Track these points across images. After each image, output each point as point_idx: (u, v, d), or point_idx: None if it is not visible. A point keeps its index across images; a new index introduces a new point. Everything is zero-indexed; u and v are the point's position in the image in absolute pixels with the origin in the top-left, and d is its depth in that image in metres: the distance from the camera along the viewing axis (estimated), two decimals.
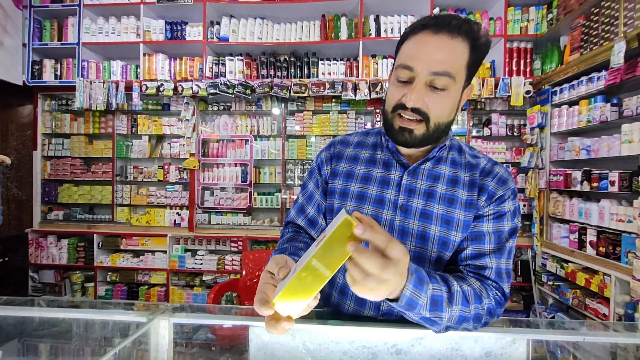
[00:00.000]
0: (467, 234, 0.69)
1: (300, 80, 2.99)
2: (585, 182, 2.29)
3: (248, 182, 3.23)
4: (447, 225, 0.69)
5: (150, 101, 3.34)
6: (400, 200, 0.71)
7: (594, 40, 2.24)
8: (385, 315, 0.74)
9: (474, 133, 3.09)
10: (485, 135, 3.07)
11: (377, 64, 3.02)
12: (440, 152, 0.73)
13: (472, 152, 0.76)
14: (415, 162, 0.73)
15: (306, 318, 0.52)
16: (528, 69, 2.91)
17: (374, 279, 0.42)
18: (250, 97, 3.13)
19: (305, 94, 3.00)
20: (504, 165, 3.05)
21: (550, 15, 2.76)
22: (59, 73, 3.24)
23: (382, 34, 2.97)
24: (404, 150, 0.73)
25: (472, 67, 0.65)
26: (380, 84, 2.88)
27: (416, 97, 0.62)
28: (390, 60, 3.01)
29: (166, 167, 3.33)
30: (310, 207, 0.81)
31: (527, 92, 2.77)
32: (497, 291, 0.65)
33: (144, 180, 3.37)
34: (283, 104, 3.25)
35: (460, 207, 0.69)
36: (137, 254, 3.27)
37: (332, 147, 0.83)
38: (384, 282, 0.43)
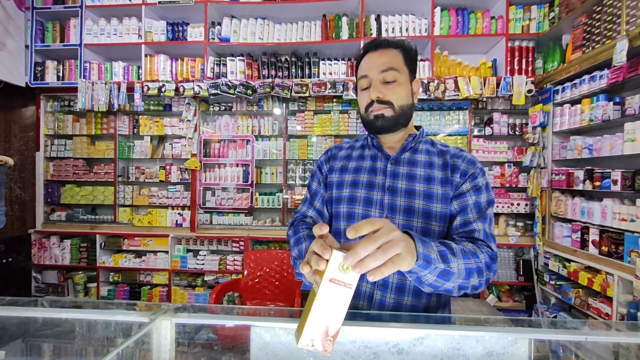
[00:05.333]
0: (456, 209, 0.82)
1: (301, 81, 3.00)
2: (587, 181, 2.28)
3: (249, 182, 3.24)
4: (428, 199, 0.83)
5: (151, 102, 3.35)
6: (387, 183, 0.86)
7: (596, 39, 2.23)
8: (378, 307, 0.82)
9: (476, 132, 3.08)
10: (487, 134, 3.07)
11: None
12: (415, 143, 0.91)
13: (442, 144, 0.93)
14: (395, 153, 0.89)
15: None
16: (530, 68, 2.90)
17: (386, 248, 0.50)
18: (251, 98, 3.13)
19: (307, 94, 3.01)
20: (506, 164, 3.05)
21: (552, 14, 2.76)
22: (61, 74, 3.25)
23: (384, 34, 2.97)
24: (385, 143, 0.92)
25: (410, 65, 0.87)
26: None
27: (377, 91, 0.84)
28: None
29: (168, 167, 3.34)
30: (317, 201, 0.95)
31: (529, 91, 2.76)
32: (488, 248, 0.75)
33: (146, 180, 3.38)
34: (284, 104, 3.26)
35: (437, 184, 0.84)
36: (139, 254, 3.28)
37: (328, 152, 1.01)
38: (393, 244, 0.51)
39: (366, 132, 0.97)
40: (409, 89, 0.87)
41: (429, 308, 0.84)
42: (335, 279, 0.50)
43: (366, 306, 0.84)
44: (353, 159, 0.94)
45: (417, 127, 0.95)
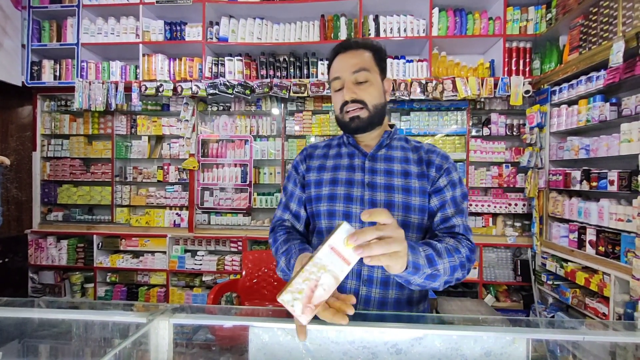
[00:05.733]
0: (436, 205, 0.85)
1: (299, 81, 3.00)
2: (584, 181, 2.29)
3: (248, 182, 3.23)
4: (407, 193, 0.86)
5: (149, 102, 3.34)
6: (366, 179, 0.88)
7: (593, 40, 2.25)
8: (364, 303, 0.83)
9: (474, 133, 3.09)
10: (484, 134, 3.08)
11: None
12: (390, 140, 0.94)
13: (415, 141, 0.97)
14: (372, 150, 0.91)
15: None
16: (527, 69, 2.92)
17: (390, 242, 0.52)
18: (249, 98, 3.13)
19: (305, 94, 3.01)
20: (503, 165, 3.05)
21: (549, 15, 2.77)
22: (58, 74, 3.24)
23: (382, 34, 2.98)
24: (361, 141, 0.94)
25: (380, 64, 0.89)
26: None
27: (350, 91, 0.85)
28: (390, 60, 3.01)
29: (166, 167, 3.33)
30: (293, 203, 0.96)
31: (527, 91, 2.78)
32: (467, 241, 0.80)
33: (144, 180, 3.37)
34: (282, 104, 3.25)
35: (414, 178, 0.88)
36: (136, 254, 3.26)
37: (304, 151, 1.01)
38: (398, 240, 0.53)
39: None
40: (381, 88, 0.89)
41: (412, 300, 0.86)
42: (336, 248, 0.49)
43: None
44: (330, 157, 0.95)
45: (391, 126, 0.98)
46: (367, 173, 0.89)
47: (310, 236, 0.96)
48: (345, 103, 0.86)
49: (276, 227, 0.95)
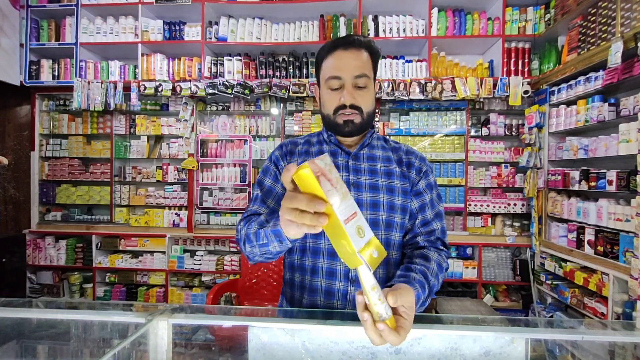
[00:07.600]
0: (416, 208, 0.89)
1: (299, 80, 2.99)
2: (583, 181, 2.30)
3: (247, 182, 3.23)
4: (391, 193, 0.87)
5: (148, 101, 3.33)
6: (351, 179, 0.88)
7: (592, 40, 2.25)
8: (353, 304, 0.82)
9: (473, 133, 3.09)
10: (483, 135, 3.08)
11: None
12: (372, 140, 0.94)
13: (393, 141, 0.99)
14: (354, 149, 0.91)
15: (305, 318, 0.52)
16: (526, 69, 2.92)
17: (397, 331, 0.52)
18: (249, 97, 3.12)
19: (304, 94, 3.00)
20: (502, 165, 3.05)
21: (548, 16, 2.78)
22: (56, 73, 3.23)
23: (381, 34, 2.98)
24: (344, 141, 0.93)
25: (375, 68, 0.89)
26: (378, 84, 2.88)
27: (350, 96, 0.83)
28: (389, 60, 3.01)
29: (165, 167, 3.33)
30: (271, 199, 0.89)
31: (525, 92, 2.78)
32: (443, 247, 0.87)
33: (143, 180, 3.36)
34: (282, 104, 3.25)
35: (397, 178, 0.90)
36: (135, 254, 3.26)
37: (283, 147, 0.97)
38: (403, 330, 0.53)
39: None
40: (374, 94, 0.89)
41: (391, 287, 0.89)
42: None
43: (341, 304, 0.83)
44: (312, 155, 0.93)
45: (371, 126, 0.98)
46: (352, 173, 0.88)
47: None
48: (343, 107, 0.84)
49: (248, 216, 0.85)
